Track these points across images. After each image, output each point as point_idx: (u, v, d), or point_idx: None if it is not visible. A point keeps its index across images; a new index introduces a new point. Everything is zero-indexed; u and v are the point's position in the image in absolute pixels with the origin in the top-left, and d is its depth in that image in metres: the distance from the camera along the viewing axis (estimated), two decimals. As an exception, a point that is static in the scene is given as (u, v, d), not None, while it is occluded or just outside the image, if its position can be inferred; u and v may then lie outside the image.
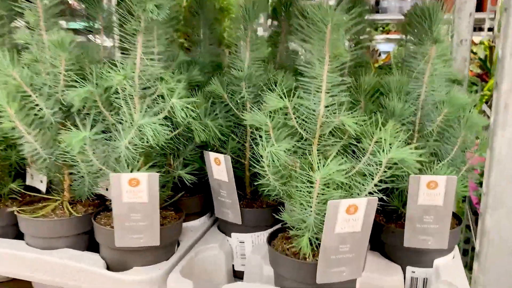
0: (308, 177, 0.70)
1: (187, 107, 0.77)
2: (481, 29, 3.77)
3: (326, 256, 0.68)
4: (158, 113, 0.79)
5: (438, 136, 0.87)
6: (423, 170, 0.82)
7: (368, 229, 0.69)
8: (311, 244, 0.73)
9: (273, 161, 0.72)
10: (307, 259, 0.73)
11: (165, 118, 0.80)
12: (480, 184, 2.18)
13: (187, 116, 0.78)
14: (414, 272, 0.85)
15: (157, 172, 0.79)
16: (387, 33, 5.67)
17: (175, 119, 0.79)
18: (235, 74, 0.88)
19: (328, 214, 0.65)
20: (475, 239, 2.42)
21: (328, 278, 0.70)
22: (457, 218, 0.89)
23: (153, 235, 0.81)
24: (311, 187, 0.69)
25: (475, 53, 2.36)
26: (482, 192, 0.58)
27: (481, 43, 2.46)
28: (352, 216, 0.67)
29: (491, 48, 2.36)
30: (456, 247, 0.89)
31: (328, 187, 0.69)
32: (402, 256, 0.86)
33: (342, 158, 0.70)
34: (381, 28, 5.60)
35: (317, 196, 0.69)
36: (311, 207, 0.70)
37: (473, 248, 2.05)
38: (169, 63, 0.92)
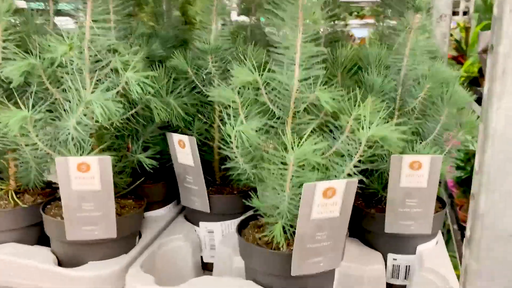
0: (281, 158, 0.63)
1: (144, 82, 0.68)
2: (455, 14, 3.76)
3: (302, 245, 0.61)
4: (111, 89, 0.70)
5: (420, 114, 0.81)
6: (405, 150, 0.75)
7: (347, 214, 0.62)
8: (285, 232, 0.65)
9: (243, 141, 0.64)
10: (281, 249, 0.66)
11: (121, 95, 0.71)
12: (457, 167, 2.16)
13: (144, 92, 0.69)
14: (395, 259, 0.79)
15: (113, 156, 0.70)
16: (362, 18, 5.64)
17: (132, 96, 0.70)
18: (200, 46, 0.80)
19: (304, 198, 0.58)
20: (455, 224, 2.41)
21: (304, 269, 0.63)
22: (440, 201, 0.84)
23: (109, 227, 0.72)
24: (285, 169, 0.62)
25: (451, 35, 2.32)
26: (474, 171, 0.52)
27: (458, 24, 2.43)
28: (329, 200, 0.60)
29: (466, 30, 2.33)
30: (440, 232, 0.84)
31: (303, 168, 0.62)
32: (383, 243, 0.80)
33: (318, 137, 0.63)
34: (355, 13, 5.56)
35: (291, 178, 0.62)
36: (284, 191, 0.63)
37: (448, 231, 2.03)
38: (126, 35, 0.83)
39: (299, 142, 0.62)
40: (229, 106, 0.67)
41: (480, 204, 0.50)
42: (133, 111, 0.75)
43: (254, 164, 0.69)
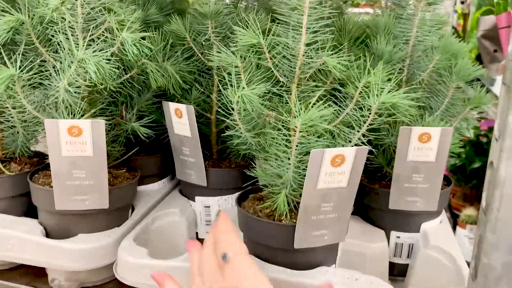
0: (286, 124, 0.59)
1: (141, 43, 0.64)
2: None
3: (306, 216, 0.58)
4: (106, 50, 0.65)
5: (427, 88, 0.78)
6: (413, 123, 0.72)
7: (355, 185, 0.59)
8: (288, 204, 0.62)
9: (245, 108, 0.60)
10: (283, 221, 0.62)
11: (116, 59, 0.67)
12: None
13: (140, 53, 0.65)
14: (399, 237, 0.76)
15: (106, 122, 0.66)
16: (357, 6, 5.60)
17: (127, 59, 0.66)
18: (200, 9, 0.75)
19: (311, 165, 0.55)
20: (447, 212, 2.39)
21: (307, 242, 0.60)
22: (445, 178, 0.81)
23: (101, 197, 0.68)
24: (290, 135, 0.58)
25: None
26: (493, 137, 0.49)
27: (456, 11, 2.40)
28: (337, 169, 0.56)
29: (465, 16, 2.30)
30: (444, 211, 0.81)
31: (309, 135, 0.58)
32: (386, 220, 0.77)
33: (326, 103, 0.60)
34: (350, 2, 5.51)
35: (297, 146, 0.58)
36: (289, 159, 0.59)
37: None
38: (121, -2, 0.79)
39: (306, 108, 0.58)
40: (230, 72, 0.63)
41: (500, 172, 0.47)
42: (129, 75, 0.70)
43: (256, 132, 0.65)
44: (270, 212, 0.64)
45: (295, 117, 0.58)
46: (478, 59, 1.99)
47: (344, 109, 0.63)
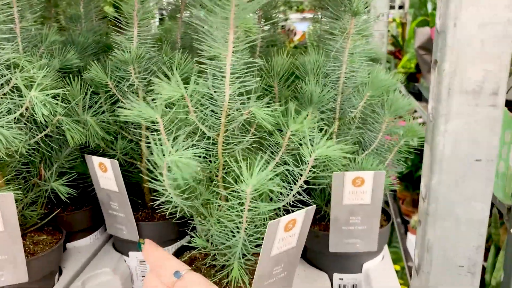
0: (232, 190, 0.55)
1: (51, 103, 0.59)
2: (392, 7, 3.84)
3: (260, 284, 0.55)
4: (13, 112, 0.60)
5: (360, 123, 0.77)
6: (347, 164, 0.71)
7: (302, 241, 0.57)
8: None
9: (179, 176, 0.54)
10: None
11: (28, 118, 0.61)
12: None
13: (52, 113, 0.59)
14: (341, 279, 0.75)
15: (19, 188, 0.61)
16: (302, 12, 5.67)
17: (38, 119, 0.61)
18: (120, 56, 0.70)
19: (267, 236, 0.51)
20: (398, 217, 2.43)
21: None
22: (385, 213, 0.80)
23: (18, 270, 0.62)
24: (240, 203, 0.54)
25: (388, 30, 2.34)
26: (420, 197, 0.48)
27: (394, 20, 2.46)
28: (289, 233, 0.54)
29: (403, 25, 2.36)
30: (386, 246, 0.81)
31: (259, 200, 0.55)
32: (328, 262, 0.75)
33: (262, 159, 0.56)
34: (295, 7, 5.58)
35: (248, 213, 0.55)
36: (240, 229, 0.56)
37: (392, 224, 2.05)
38: (36, 44, 0.73)
39: (249, 168, 0.54)
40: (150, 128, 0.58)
41: (428, 235, 0.46)
42: (41, 134, 0.65)
43: (188, 196, 0.61)
44: (218, 281, 0.60)
45: (244, 182, 0.52)
46: (417, 68, 2.04)
47: (281, 163, 0.60)
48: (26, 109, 0.61)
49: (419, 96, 2.14)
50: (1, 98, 0.60)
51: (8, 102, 0.60)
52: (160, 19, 1.20)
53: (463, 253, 0.45)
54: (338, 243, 0.71)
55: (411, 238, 2.09)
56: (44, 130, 0.65)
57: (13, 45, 0.64)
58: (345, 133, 0.77)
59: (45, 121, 0.61)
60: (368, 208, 0.69)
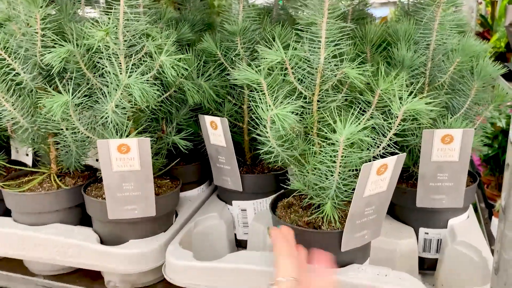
0: (327, 139, 0.63)
1: (178, 65, 0.70)
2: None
3: (353, 222, 0.63)
4: (146, 72, 0.72)
5: (449, 89, 0.81)
6: (436, 124, 0.76)
7: (392, 187, 0.64)
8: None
9: (280, 126, 0.63)
10: (322, 228, 0.67)
11: (155, 79, 0.73)
12: (484, 144, 2.13)
13: (178, 75, 0.71)
14: (427, 233, 0.80)
15: (149, 138, 0.73)
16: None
17: (166, 79, 0.72)
18: (229, 28, 0.81)
19: (361, 177, 0.59)
20: (482, 202, 2.37)
21: (352, 244, 0.65)
22: (471, 175, 0.84)
23: (148, 206, 0.75)
24: (334, 150, 0.63)
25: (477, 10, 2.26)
26: (509, 140, 0.52)
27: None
28: (381, 177, 0.61)
29: (493, 4, 2.27)
30: (471, 206, 0.84)
31: (351, 148, 0.63)
32: (414, 217, 0.80)
33: (353, 115, 0.64)
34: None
35: (341, 159, 0.63)
36: (333, 172, 0.64)
37: (475, 209, 2.01)
38: (156, 20, 0.85)
39: (341, 121, 0.61)
40: (255, 89, 0.67)
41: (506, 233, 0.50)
42: (168, 93, 0.77)
43: (288, 147, 0.70)
44: (309, 220, 0.69)
45: (338, 132, 0.60)
46: (508, 47, 1.97)
47: (371, 117, 0.67)
48: (156, 72, 0.73)
49: (509, 77, 2.05)
50: (138, 61, 0.72)
51: (143, 65, 0.73)
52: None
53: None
54: (425, 198, 0.77)
55: (496, 223, 2.03)
56: (169, 90, 0.77)
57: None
58: (434, 98, 0.82)
59: (173, 81, 0.72)
60: (456, 165, 0.73)
